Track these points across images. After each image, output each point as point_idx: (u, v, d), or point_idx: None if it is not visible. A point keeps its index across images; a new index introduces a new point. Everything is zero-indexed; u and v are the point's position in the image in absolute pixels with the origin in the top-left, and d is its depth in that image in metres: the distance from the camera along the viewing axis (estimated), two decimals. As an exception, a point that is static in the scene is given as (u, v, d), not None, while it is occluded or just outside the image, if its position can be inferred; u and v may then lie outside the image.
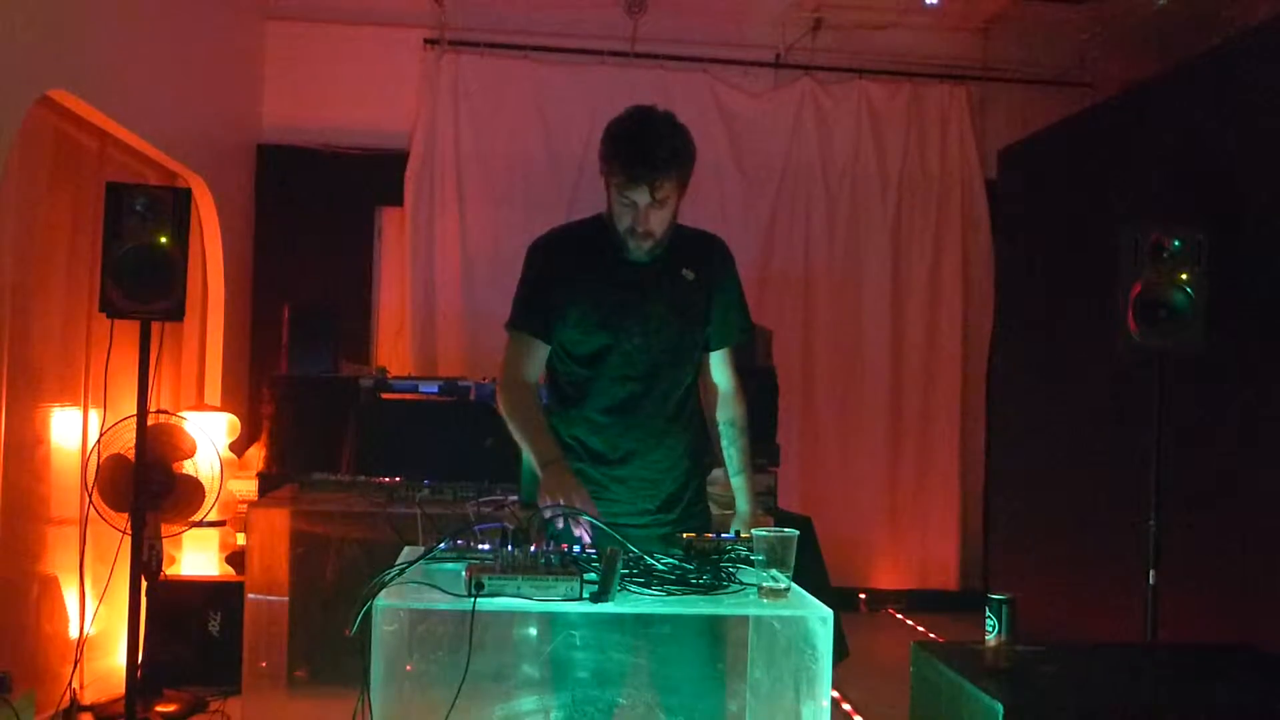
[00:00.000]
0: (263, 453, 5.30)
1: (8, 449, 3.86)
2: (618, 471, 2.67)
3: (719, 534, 2.36)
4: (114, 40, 4.38)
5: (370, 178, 6.45)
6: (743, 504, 2.76)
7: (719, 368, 2.79)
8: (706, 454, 2.84)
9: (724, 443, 2.79)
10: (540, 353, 2.67)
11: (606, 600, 1.99)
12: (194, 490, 4.31)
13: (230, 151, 6.07)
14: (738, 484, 2.77)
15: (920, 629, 6.18)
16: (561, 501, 2.40)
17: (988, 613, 2.70)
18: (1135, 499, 4.16)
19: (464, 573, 2.01)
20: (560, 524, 2.34)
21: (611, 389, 2.65)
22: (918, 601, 6.63)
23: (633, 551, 2.21)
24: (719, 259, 2.78)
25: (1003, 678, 2.61)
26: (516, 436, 2.61)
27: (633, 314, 2.63)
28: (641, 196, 2.51)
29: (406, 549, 2.42)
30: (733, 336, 2.79)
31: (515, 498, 3.10)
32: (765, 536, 2.09)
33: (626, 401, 2.65)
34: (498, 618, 2.12)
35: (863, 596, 6.62)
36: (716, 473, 2.92)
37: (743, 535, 2.41)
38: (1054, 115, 6.15)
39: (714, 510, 2.91)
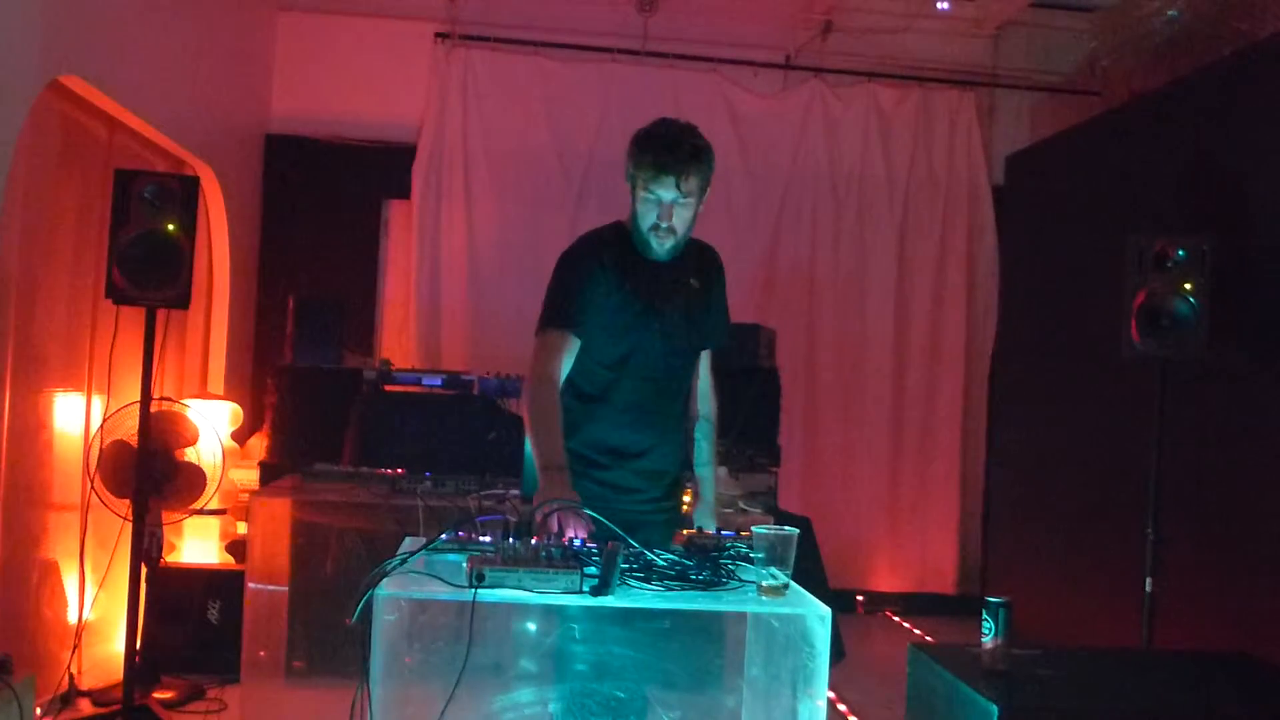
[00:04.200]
0: (265, 442, 5.32)
1: (11, 434, 3.87)
2: (635, 464, 2.79)
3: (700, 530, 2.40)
4: (125, 27, 4.39)
5: (378, 170, 6.47)
6: (708, 493, 2.96)
7: (704, 367, 2.98)
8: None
9: (698, 435, 2.98)
10: (574, 350, 2.73)
11: (606, 594, 2.00)
12: (196, 478, 4.32)
13: (239, 141, 6.08)
14: (705, 475, 2.97)
15: (917, 632, 6.19)
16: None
17: (985, 615, 2.70)
18: (1135, 506, 4.17)
19: (465, 564, 2.02)
20: (555, 524, 2.35)
21: (634, 387, 2.78)
22: (915, 604, 6.64)
23: (634, 546, 2.22)
24: (716, 266, 2.96)
25: (999, 680, 2.61)
26: (529, 429, 2.65)
27: (654, 317, 2.77)
28: (668, 191, 2.65)
29: (408, 540, 2.43)
30: (720, 338, 2.98)
31: (516, 491, 3.12)
32: (765, 534, 2.10)
33: (646, 399, 2.79)
34: (498, 609, 2.13)
35: (860, 598, 6.62)
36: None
37: (700, 525, 2.78)
38: (1062, 123, 6.16)
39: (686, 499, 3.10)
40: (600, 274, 2.74)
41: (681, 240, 2.75)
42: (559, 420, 2.66)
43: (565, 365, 2.73)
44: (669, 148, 2.65)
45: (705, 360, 2.97)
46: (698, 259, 2.90)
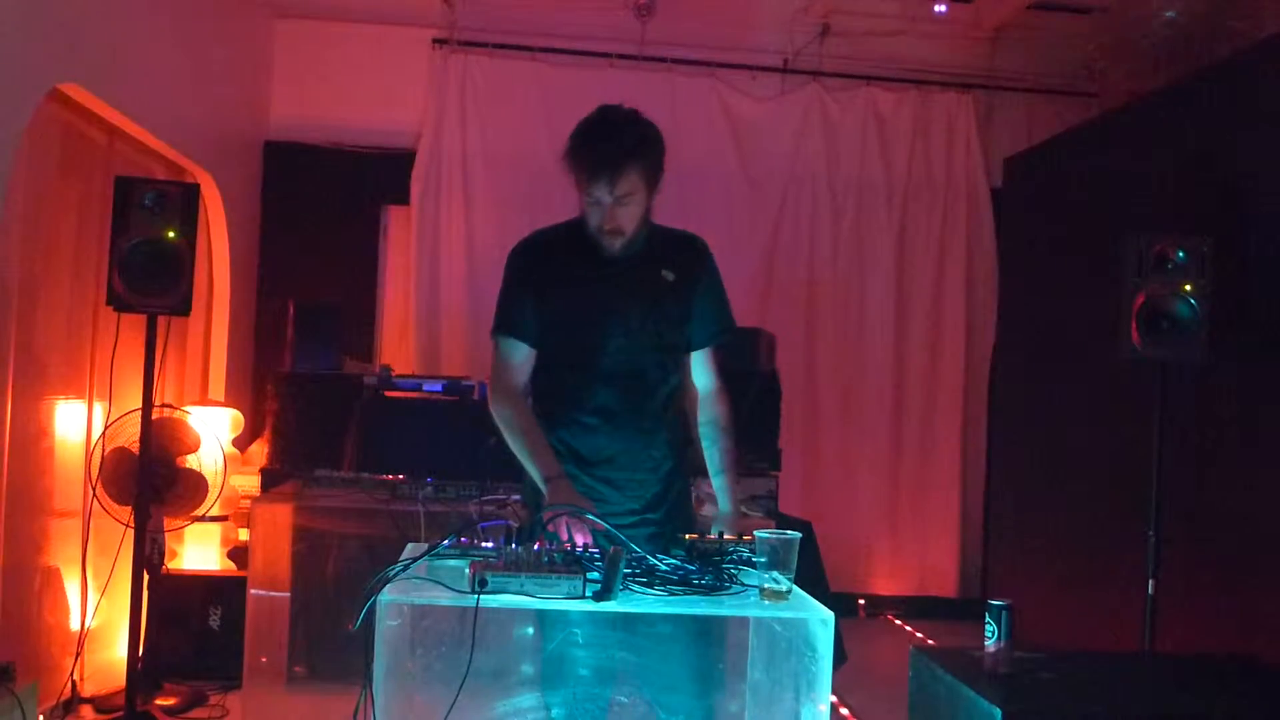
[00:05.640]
0: (266, 448, 5.32)
1: (13, 441, 3.87)
2: (603, 472, 2.68)
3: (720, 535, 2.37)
4: (124, 35, 4.40)
5: (377, 176, 6.47)
6: (724, 504, 2.75)
7: (700, 368, 2.79)
8: (689, 455, 2.84)
9: (705, 443, 2.79)
10: (527, 357, 2.68)
11: (609, 599, 2.00)
12: (197, 485, 4.32)
13: (238, 147, 6.09)
14: (719, 484, 2.77)
15: (919, 635, 6.19)
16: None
17: (987, 619, 2.71)
18: (1136, 509, 4.17)
19: (468, 569, 2.02)
20: (564, 531, 2.35)
21: (596, 390, 2.66)
22: (916, 608, 6.63)
23: (636, 552, 2.22)
24: (698, 259, 2.78)
25: (1001, 683, 2.62)
26: (514, 449, 2.62)
27: (614, 315, 2.65)
28: (603, 193, 2.54)
29: (410, 546, 2.44)
30: (713, 336, 2.78)
31: (517, 496, 3.11)
32: (767, 538, 2.10)
33: (611, 402, 2.66)
34: (500, 615, 2.13)
35: (862, 602, 6.62)
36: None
37: (724, 536, 2.41)
38: (1060, 125, 6.17)
39: (709, 512, 2.91)
40: (545, 272, 2.66)
41: (636, 237, 2.62)
42: (536, 428, 2.62)
43: (520, 371, 2.66)
44: (597, 152, 2.52)
45: (703, 360, 2.78)
46: (676, 251, 2.75)
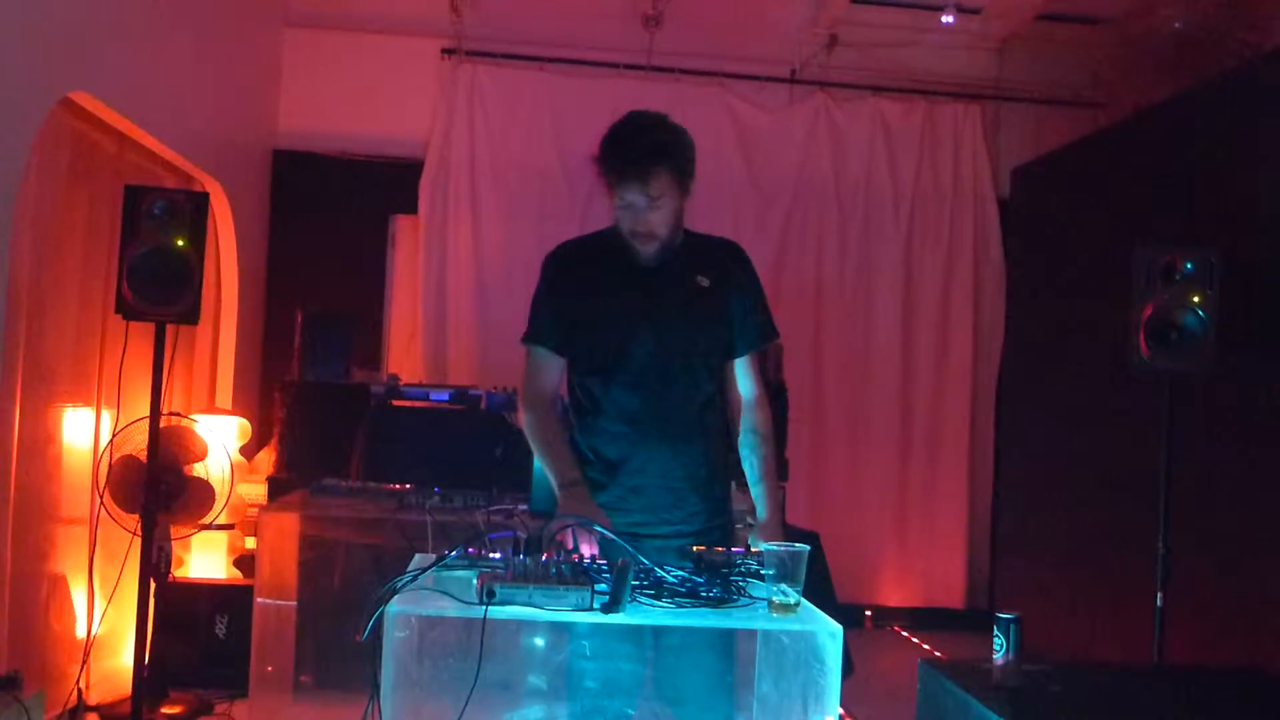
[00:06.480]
0: (273, 457, 5.32)
1: (21, 448, 3.88)
2: (634, 481, 2.64)
3: (730, 548, 2.37)
4: (135, 44, 4.41)
5: (385, 185, 6.48)
6: (762, 512, 2.70)
7: (742, 375, 2.75)
8: (730, 465, 2.79)
9: (744, 451, 2.74)
10: (555, 365, 2.69)
11: (617, 611, 2.00)
12: (204, 493, 4.32)
13: (247, 156, 6.11)
14: (757, 493, 2.71)
15: (925, 647, 6.17)
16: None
17: (996, 632, 2.70)
18: (1144, 520, 4.16)
19: (475, 581, 2.02)
20: (570, 541, 2.35)
21: (625, 397, 2.64)
22: (923, 619, 6.62)
23: (643, 563, 2.22)
24: (735, 264, 2.77)
25: (1010, 696, 2.61)
26: (537, 457, 2.64)
27: (644, 321, 2.63)
28: (635, 195, 2.53)
29: (418, 556, 2.43)
30: (753, 342, 2.74)
31: (524, 506, 3.10)
32: (775, 551, 2.10)
33: (641, 410, 2.63)
34: (508, 626, 2.13)
35: (868, 613, 6.61)
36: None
37: (756, 547, 2.37)
38: (1067, 135, 6.17)
39: (749, 522, 2.87)
40: (574, 280, 2.67)
41: (671, 242, 2.62)
42: (559, 435, 2.63)
43: (548, 380, 2.67)
44: (629, 151, 2.52)
45: (744, 367, 2.73)
46: (711, 256, 2.73)
